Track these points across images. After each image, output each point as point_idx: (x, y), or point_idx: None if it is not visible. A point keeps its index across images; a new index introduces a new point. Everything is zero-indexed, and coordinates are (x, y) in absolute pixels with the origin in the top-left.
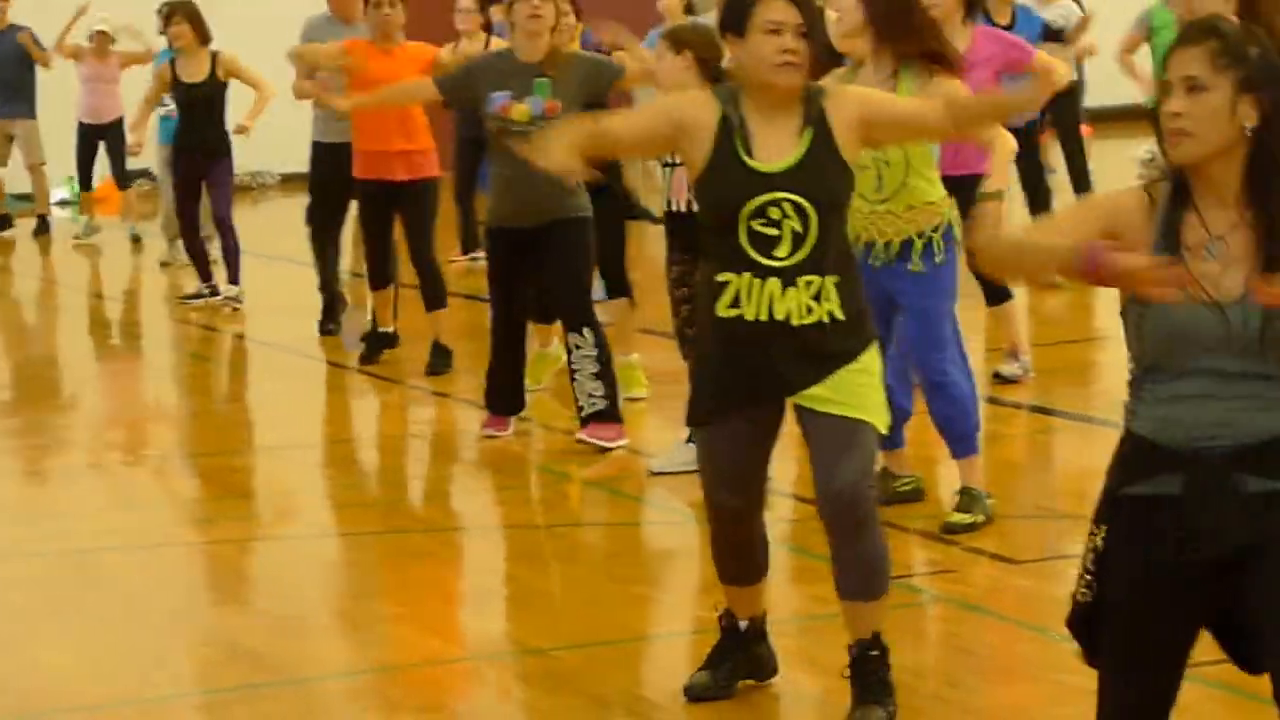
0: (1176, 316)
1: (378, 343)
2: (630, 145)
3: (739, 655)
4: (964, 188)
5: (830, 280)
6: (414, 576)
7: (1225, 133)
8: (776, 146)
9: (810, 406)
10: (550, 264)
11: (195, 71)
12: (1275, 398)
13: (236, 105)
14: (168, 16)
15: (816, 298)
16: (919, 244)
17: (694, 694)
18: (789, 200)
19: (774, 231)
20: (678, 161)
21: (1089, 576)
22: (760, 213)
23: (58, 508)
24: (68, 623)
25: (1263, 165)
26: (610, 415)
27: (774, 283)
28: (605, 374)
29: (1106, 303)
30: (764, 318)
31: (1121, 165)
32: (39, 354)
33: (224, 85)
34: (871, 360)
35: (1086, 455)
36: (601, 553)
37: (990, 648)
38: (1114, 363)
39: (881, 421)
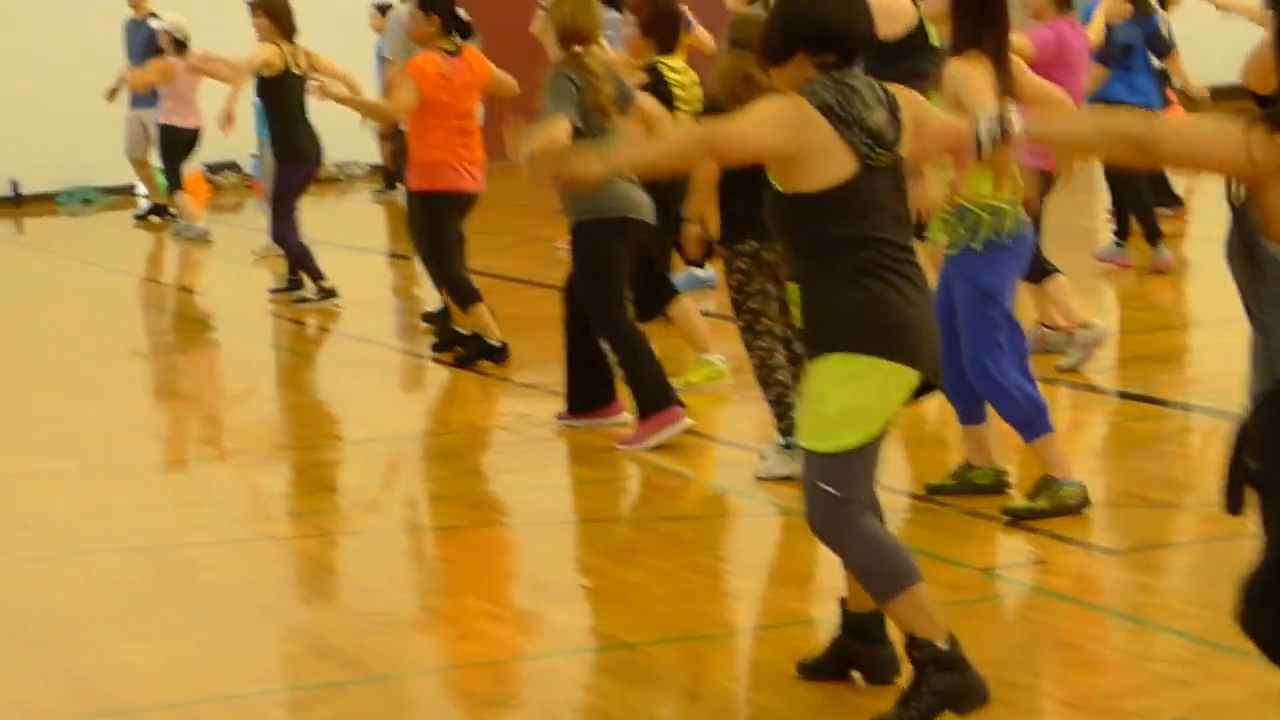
0: None
1: (483, 354)
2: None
3: (858, 647)
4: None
5: (794, 287)
6: (501, 571)
7: None
8: None
9: None
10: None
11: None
12: None
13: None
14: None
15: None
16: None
17: (805, 669)
18: None
19: None
20: None
21: None
22: None
23: (142, 503)
24: (152, 619)
25: None
26: (641, 411)
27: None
28: (630, 379)
29: (1200, 288)
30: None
31: None
32: (126, 347)
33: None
34: (820, 369)
35: (1178, 442)
36: (692, 546)
37: (1081, 637)
38: (1207, 348)
39: (821, 439)
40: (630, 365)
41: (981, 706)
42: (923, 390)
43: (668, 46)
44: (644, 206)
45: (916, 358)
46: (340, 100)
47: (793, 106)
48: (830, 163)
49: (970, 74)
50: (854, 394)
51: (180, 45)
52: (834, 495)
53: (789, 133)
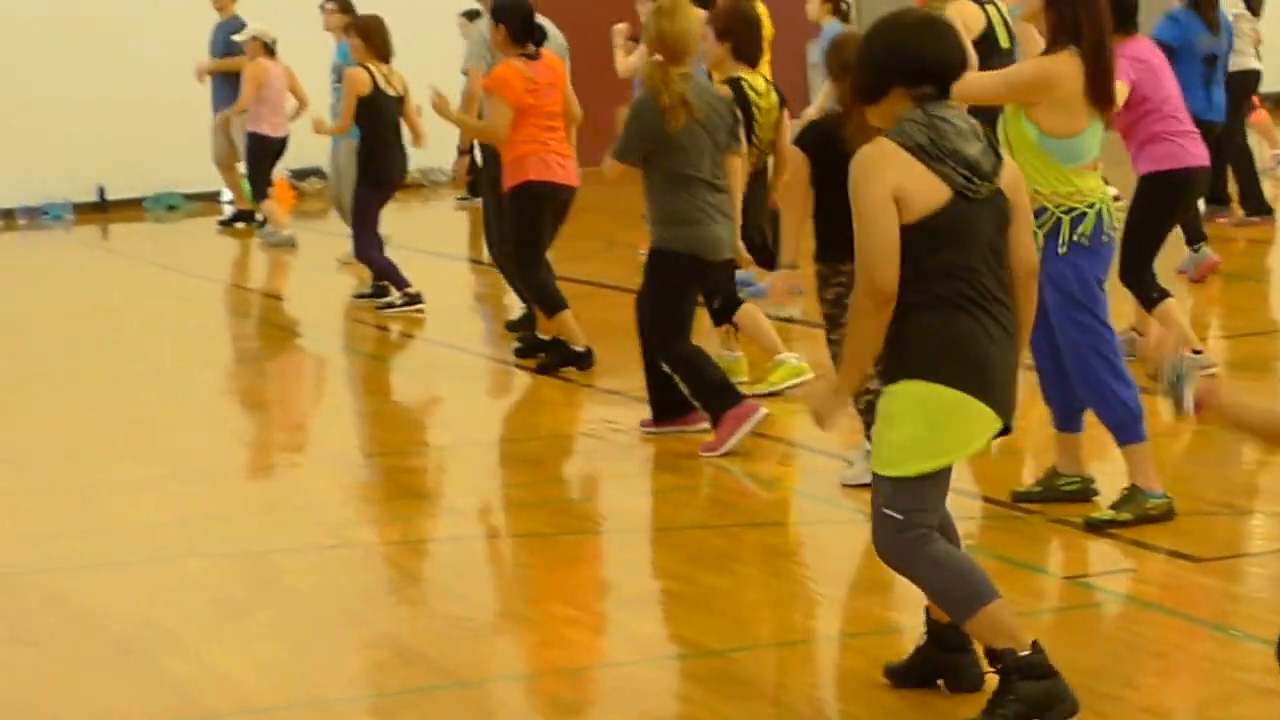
0: None
1: (566, 360)
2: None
3: (941, 655)
4: (1154, 187)
5: None
6: (585, 578)
7: None
8: None
9: None
10: None
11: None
12: None
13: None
14: (346, 26)
15: None
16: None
17: (892, 675)
18: None
19: None
20: None
21: None
22: None
23: (229, 509)
24: (239, 625)
25: None
26: (713, 417)
27: None
28: (695, 392)
29: None
30: None
31: None
32: (212, 353)
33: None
34: (895, 394)
35: (1266, 450)
36: (776, 553)
37: (1170, 647)
38: None
39: (888, 464)
40: (692, 378)
41: (1071, 716)
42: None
43: (749, 57)
44: (726, 245)
45: (992, 395)
46: (454, 120)
47: (879, 156)
48: (923, 195)
49: (1044, 72)
50: (925, 423)
51: (269, 50)
52: (898, 519)
53: (890, 180)
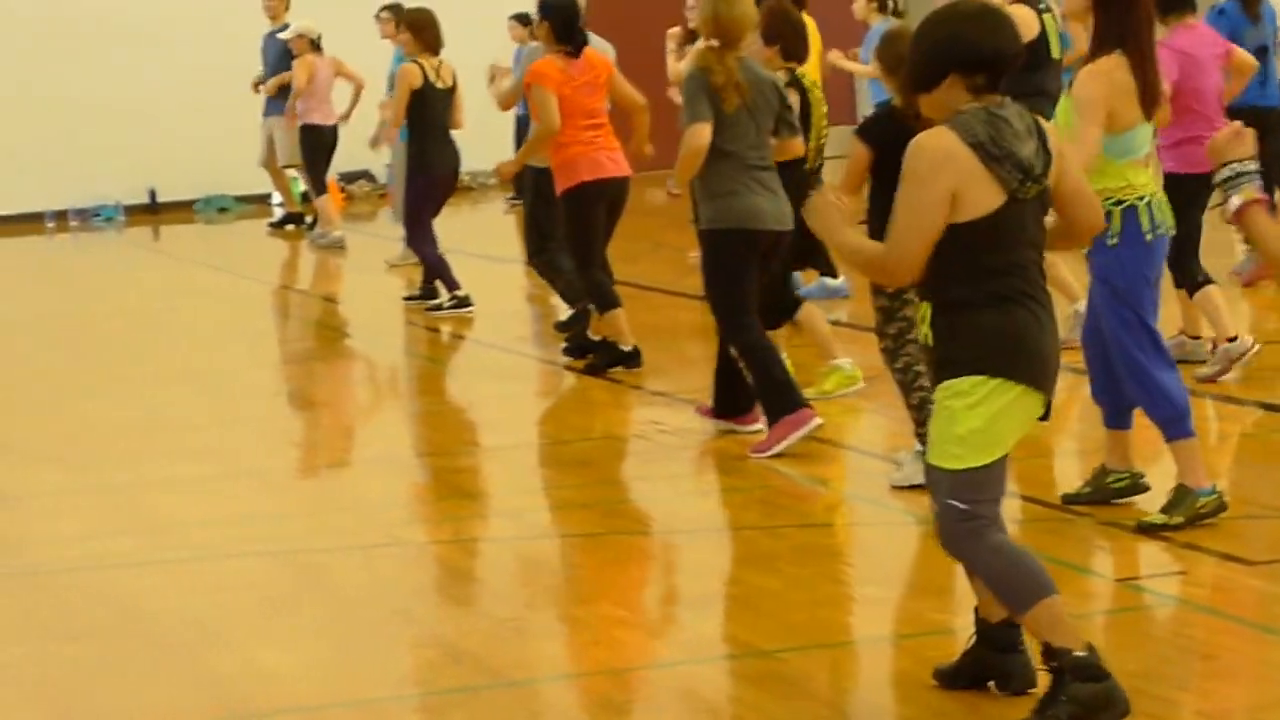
0: None
1: (616, 361)
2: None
3: (991, 656)
4: (1184, 188)
5: (926, 306)
6: (636, 578)
7: None
8: None
9: None
10: None
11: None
12: None
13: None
14: (396, 23)
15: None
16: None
17: (941, 677)
18: None
19: None
20: None
21: None
22: None
23: (280, 509)
24: (288, 623)
25: None
26: (770, 416)
27: None
28: (758, 385)
29: None
30: None
31: None
32: (262, 354)
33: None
34: (954, 389)
35: None
36: (826, 554)
37: (1221, 649)
38: None
39: (950, 458)
40: (758, 370)
41: (1122, 718)
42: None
43: (796, 55)
44: (769, 216)
45: (1047, 384)
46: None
47: (943, 154)
48: (978, 198)
49: (1093, 90)
50: (985, 416)
51: (315, 45)
52: (961, 510)
53: (949, 183)
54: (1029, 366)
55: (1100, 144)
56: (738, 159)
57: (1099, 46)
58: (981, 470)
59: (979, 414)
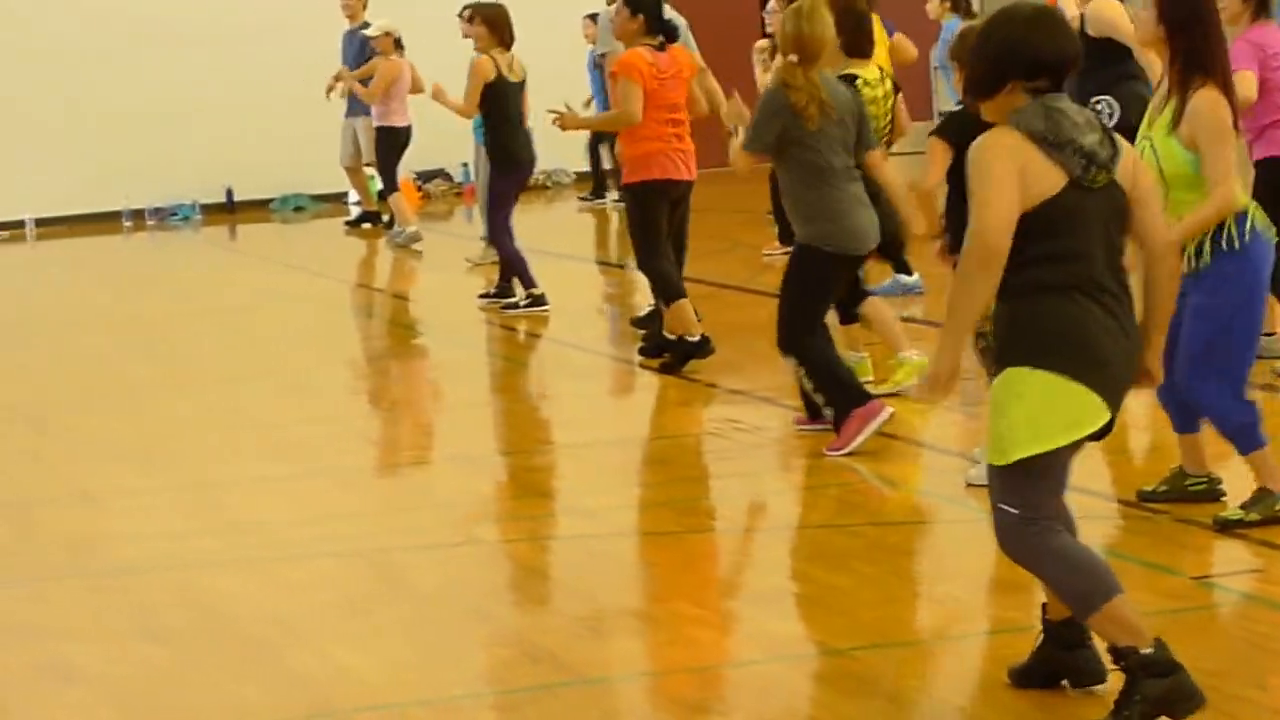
0: None
1: (688, 355)
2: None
3: (1060, 654)
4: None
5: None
6: (711, 577)
7: None
8: None
9: None
10: None
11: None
12: None
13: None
14: (469, 18)
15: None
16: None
17: (1014, 676)
18: None
19: None
20: None
21: None
22: None
23: (356, 507)
24: (364, 622)
25: None
26: (839, 413)
27: None
28: (822, 388)
29: None
30: None
31: None
32: (339, 353)
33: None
34: (1003, 381)
35: None
36: (900, 552)
37: None
38: None
39: (998, 453)
40: (820, 375)
41: (1197, 711)
42: (1103, 432)
43: (859, 51)
44: (870, 236)
45: (1096, 380)
46: (583, 124)
47: (1008, 145)
48: (1038, 182)
49: (1225, 116)
50: (1029, 407)
51: (399, 45)
52: (1014, 514)
53: (1018, 170)
54: (1073, 359)
55: (1227, 147)
56: (836, 175)
57: (1188, 80)
58: (1028, 469)
59: (1023, 405)
